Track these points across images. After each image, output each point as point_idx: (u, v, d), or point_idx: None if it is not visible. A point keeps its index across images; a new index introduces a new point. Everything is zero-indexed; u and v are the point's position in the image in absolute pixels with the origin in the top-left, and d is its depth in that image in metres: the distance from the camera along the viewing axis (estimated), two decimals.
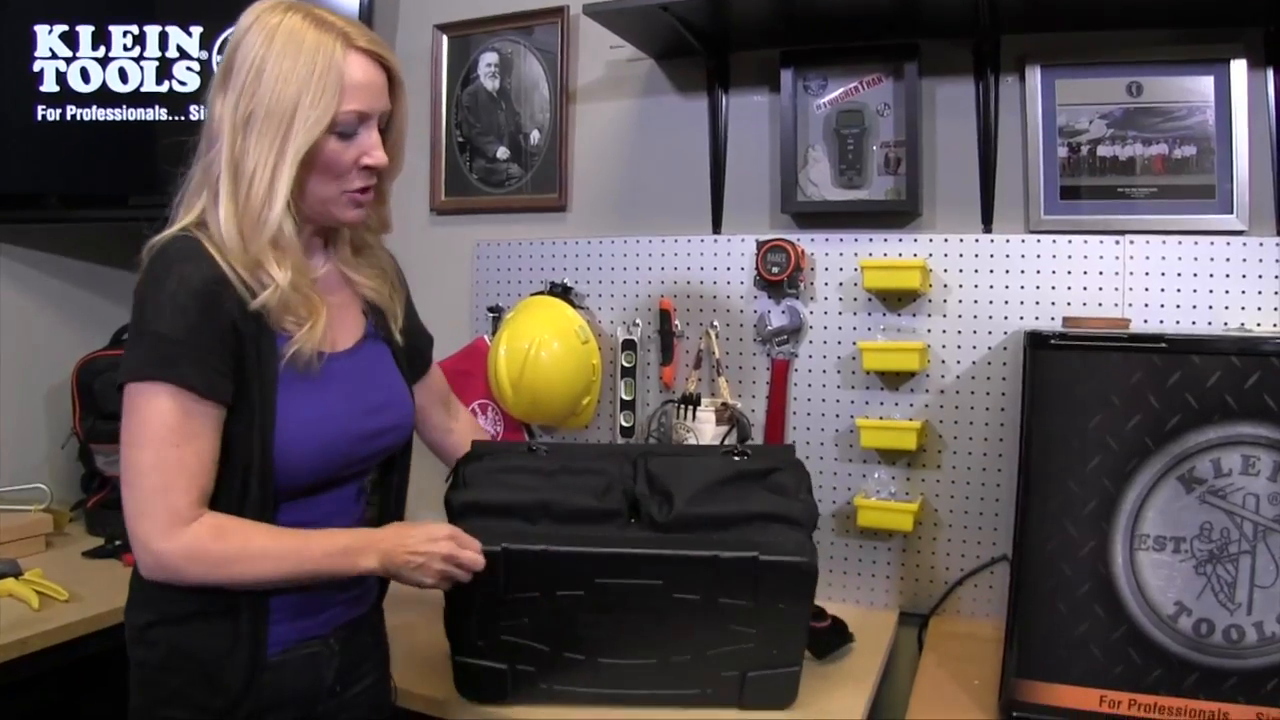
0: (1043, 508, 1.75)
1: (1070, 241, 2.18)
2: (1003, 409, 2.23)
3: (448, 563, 1.50)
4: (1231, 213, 2.14)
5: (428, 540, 1.50)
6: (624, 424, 2.45)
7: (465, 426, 1.98)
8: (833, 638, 2.01)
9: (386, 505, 1.74)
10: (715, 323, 2.40)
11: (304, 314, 1.46)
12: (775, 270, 2.29)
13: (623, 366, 2.45)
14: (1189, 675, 1.71)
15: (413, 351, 1.79)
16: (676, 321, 2.42)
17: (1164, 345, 1.73)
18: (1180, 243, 2.13)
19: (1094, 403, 1.73)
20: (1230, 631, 1.70)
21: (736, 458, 1.82)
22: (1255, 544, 1.69)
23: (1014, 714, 1.76)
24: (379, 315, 1.69)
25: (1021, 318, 2.21)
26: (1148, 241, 2.14)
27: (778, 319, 2.34)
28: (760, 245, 2.31)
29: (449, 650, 1.74)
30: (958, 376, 2.25)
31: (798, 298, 2.33)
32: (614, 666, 1.73)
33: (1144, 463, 1.71)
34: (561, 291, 2.45)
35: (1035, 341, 1.78)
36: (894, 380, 2.29)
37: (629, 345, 2.44)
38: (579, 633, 1.68)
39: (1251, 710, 1.69)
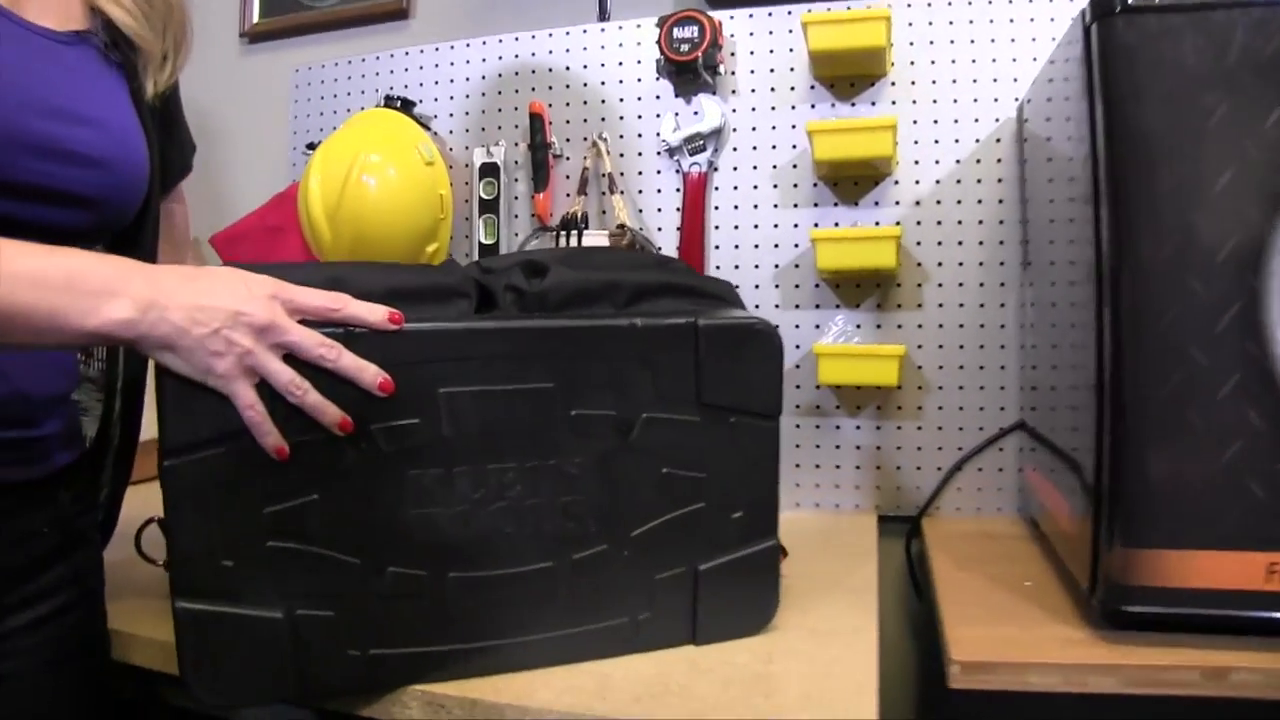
0: (1151, 255, 0.91)
1: None
2: (1001, 222, 1.40)
3: (265, 341, 0.74)
4: None
5: (242, 295, 0.74)
6: None
7: None
8: None
9: None
10: (604, 134, 1.54)
11: None
12: (685, 49, 1.44)
13: (481, 199, 1.57)
14: None
15: (166, 141, 1.00)
16: (552, 136, 1.54)
17: None
18: None
19: (1211, 90, 0.90)
20: None
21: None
22: None
23: (1123, 609, 0.91)
24: (127, 56, 0.93)
25: (1016, 98, 1.40)
26: None
27: (689, 120, 1.49)
28: (664, 20, 1.46)
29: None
30: (937, 181, 1.43)
31: (714, 91, 1.48)
32: (474, 587, 0.83)
33: None
34: (401, 106, 1.57)
35: (1102, 9, 0.94)
36: (852, 190, 1.45)
37: (489, 171, 1.57)
38: (410, 520, 0.80)
39: None
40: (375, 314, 0.76)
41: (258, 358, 0.72)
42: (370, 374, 0.76)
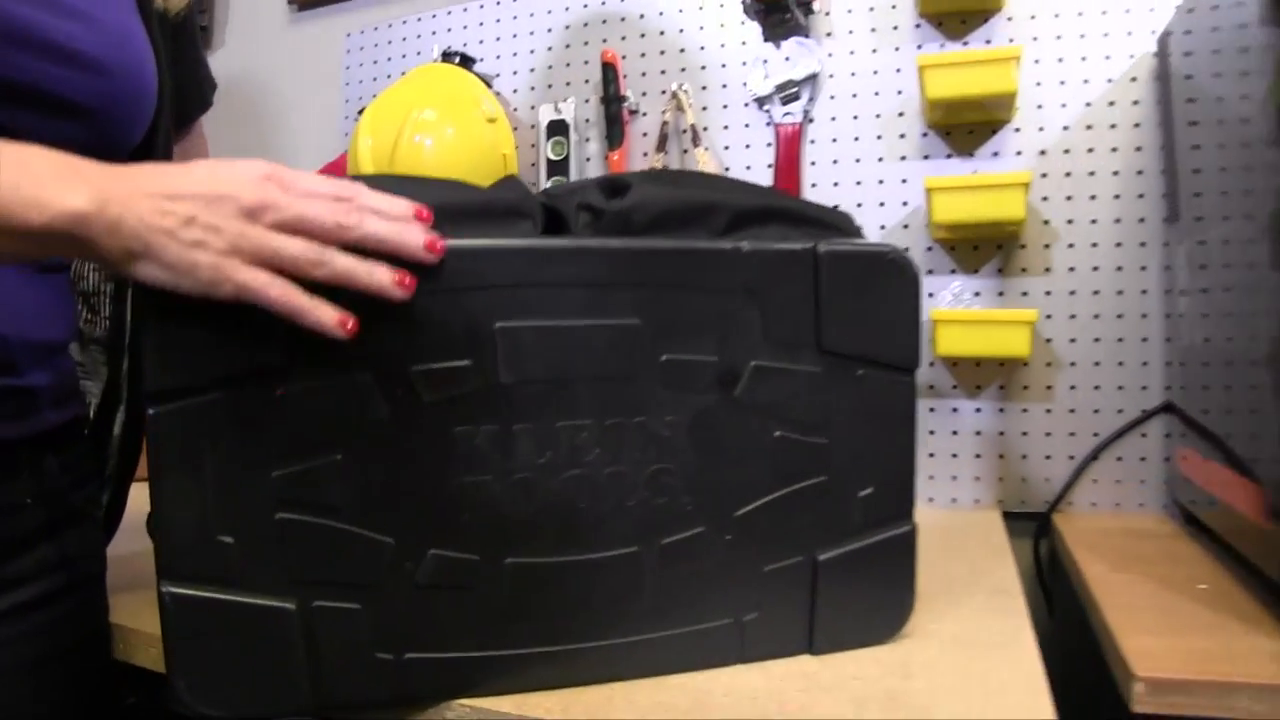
0: None
1: None
2: (1140, 172, 1.21)
3: (261, 221, 0.57)
4: None
5: (224, 178, 0.58)
6: None
7: None
8: None
9: None
10: (685, 84, 1.37)
11: None
12: None
13: (549, 161, 1.42)
14: None
15: (179, 64, 0.86)
16: (627, 89, 1.38)
17: None
18: None
19: None
20: None
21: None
22: None
23: None
24: None
25: (1154, 31, 1.20)
26: None
27: (780, 66, 1.31)
28: None
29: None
30: (1064, 128, 1.24)
31: (808, 32, 1.31)
32: (536, 577, 0.67)
33: None
34: (460, 62, 1.43)
35: None
36: (967, 140, 1.27)
37: (558, 129, 1.41)
38: (457, 490, 0.64)
39: None
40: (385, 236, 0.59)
41: (254, 237, 0.56)
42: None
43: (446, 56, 1.43)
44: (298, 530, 0.62)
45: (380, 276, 0.58)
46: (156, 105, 0.77)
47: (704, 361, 0.67)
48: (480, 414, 0.63)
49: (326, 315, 0.57)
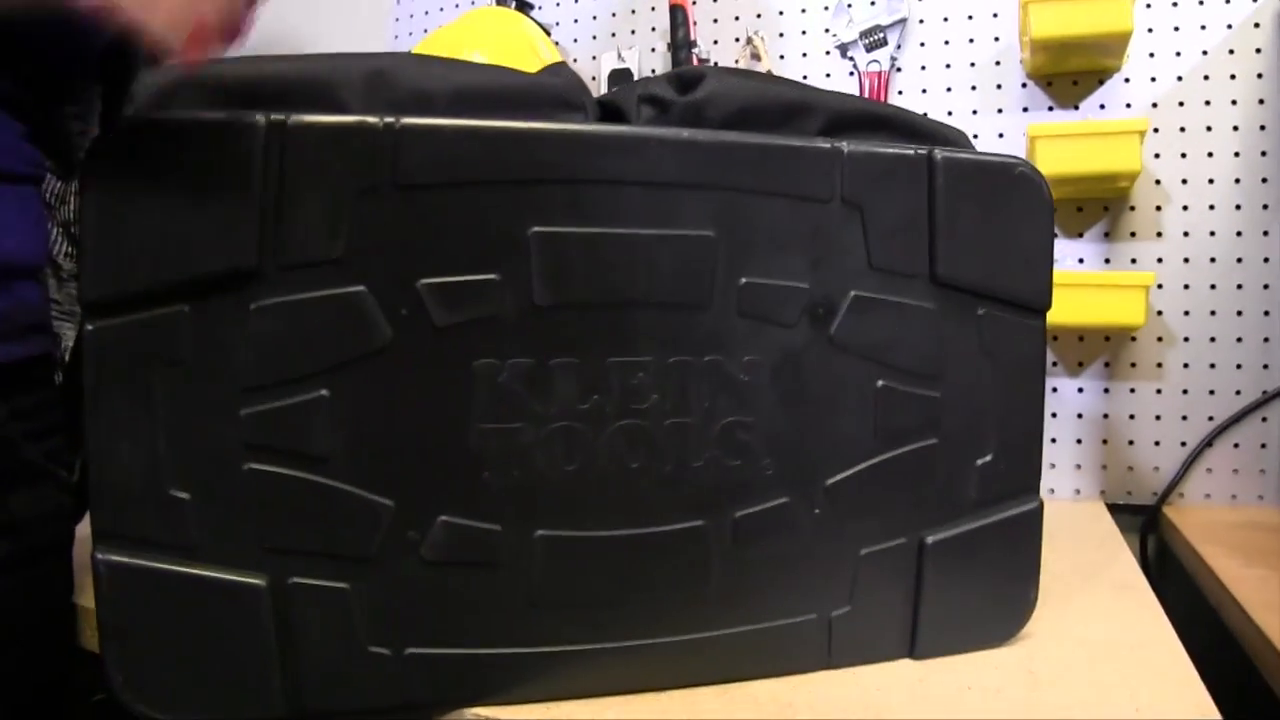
0: None
1: None
2: (1262, 127, 1.09)
3: None
4: None
5: None
6: None
7: None
8: None
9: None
10: (760, 30, 1.27)
11: None
12: None
13: None
14: None
15: None
16: (697, 35, 1.28)
17: None
18: None
19: None
20: None
21: None
22: None
23: None
24: None
25: None
26: None
27: (865, 10, 1.21)
28: None
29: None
30: (1178, 79, 1.13)
31: None
32: (575, 556, 0.56)
33: None
34: (517, 7, 1.35)
35: None
36: (1070, 91, 1.16)
37: (621, 78, 1.32)
38: (476, 442, 0.53)
39: None
40: None
41: None
42: None
43: (501, 0, 1.35)
44: (272, 485, 0.51)
45: None
46: None
47: (793, 288, 0.56)
48: (508, 344, 0.52)
49: None
